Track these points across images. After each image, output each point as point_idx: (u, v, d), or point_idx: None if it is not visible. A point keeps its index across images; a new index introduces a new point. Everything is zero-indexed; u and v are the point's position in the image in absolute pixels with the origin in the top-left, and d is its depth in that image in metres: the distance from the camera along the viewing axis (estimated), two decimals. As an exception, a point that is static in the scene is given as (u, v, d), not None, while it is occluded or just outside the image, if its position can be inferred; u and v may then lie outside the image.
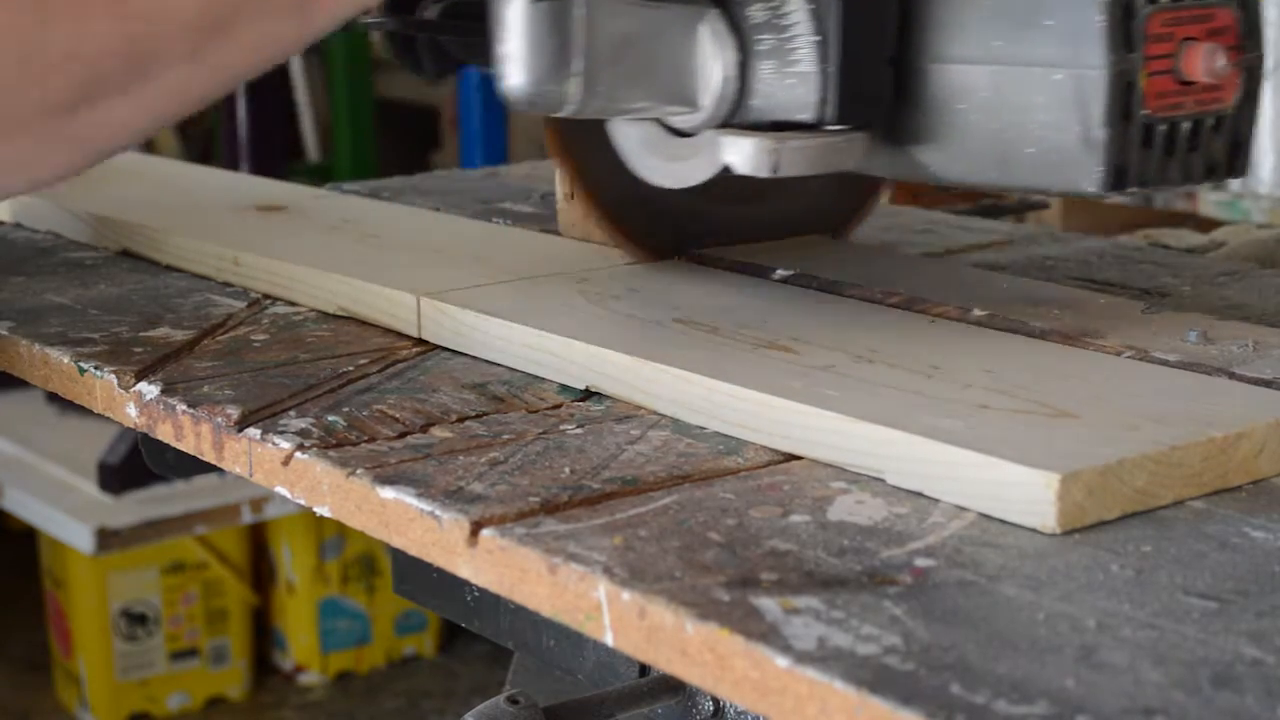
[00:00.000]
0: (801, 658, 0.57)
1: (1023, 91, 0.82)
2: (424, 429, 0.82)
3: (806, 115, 0.84)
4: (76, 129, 0.75)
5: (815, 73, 0.84)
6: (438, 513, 0.71)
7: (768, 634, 0.59)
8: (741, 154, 0.84)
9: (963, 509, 0.71)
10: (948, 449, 0.71)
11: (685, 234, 1.08)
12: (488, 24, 0.84)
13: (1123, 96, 0.80)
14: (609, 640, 0.64)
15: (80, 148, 0.77)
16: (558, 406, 0.86)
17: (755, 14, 0.85)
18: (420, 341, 0.97)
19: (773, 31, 0.84)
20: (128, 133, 0.77)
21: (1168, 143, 0.83)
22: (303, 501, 0.79)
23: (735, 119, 0.86)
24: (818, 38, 0.83)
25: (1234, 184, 2.85)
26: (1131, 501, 0.70)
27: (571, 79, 0.82)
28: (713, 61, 0.85)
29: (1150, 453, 0.71)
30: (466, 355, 0.94)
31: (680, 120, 0.88)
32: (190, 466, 1.04)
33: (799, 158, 0.84)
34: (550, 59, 0.81)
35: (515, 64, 0.81)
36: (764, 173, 0.84)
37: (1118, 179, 0.81)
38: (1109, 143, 0.81)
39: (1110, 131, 0.80)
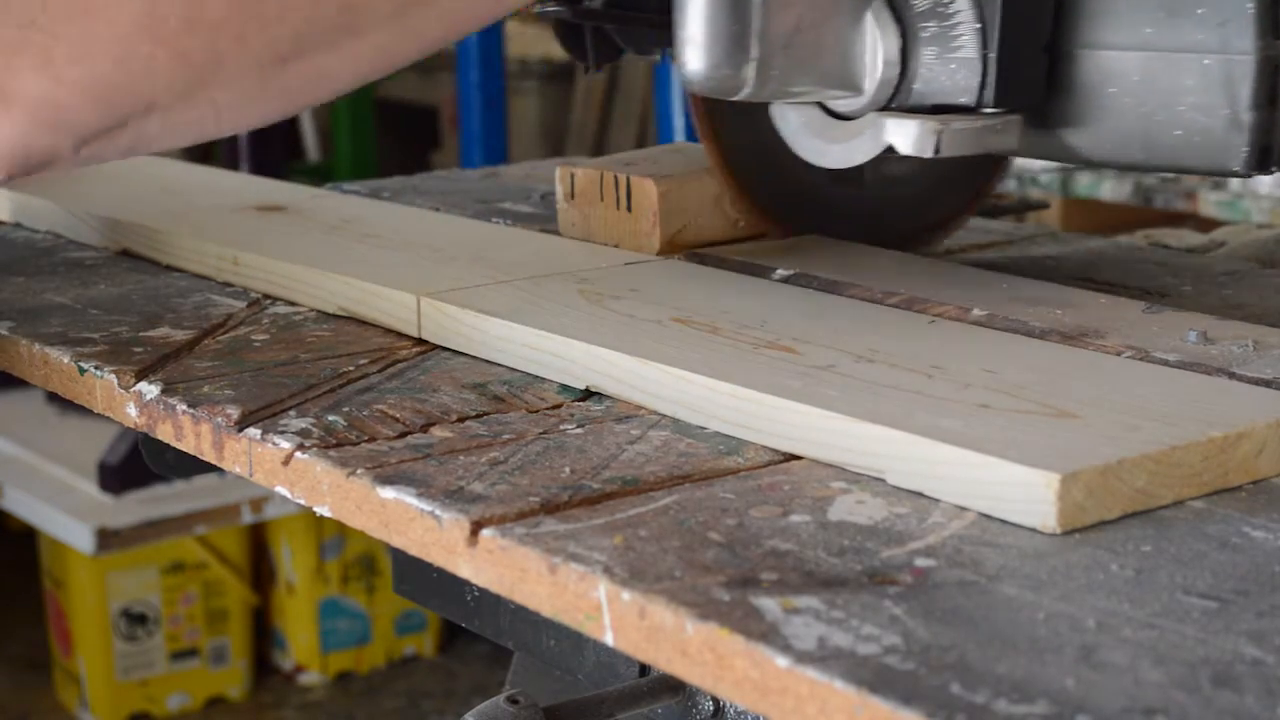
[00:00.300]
0: (801, 658, 0.57)
1: (1172, 76, 0.86)
2: (424, 429, 0.82)
3: (966, 99, 0.89)
4: (288, 80, 0.77)
5: (976, 58, 0.88)
6: (438, 512, 0.71)
7: (768, 634, 0.59)
8: (905, 135, 0.88)
9: (963, 509, 0.71)
10: (948, 449, 0.71)
11: (813, 214, 1.14)
12: (651, 14, 0.92)
13: (1270, 80, 0.84)
14: (609, 640, 0.64)
15: (289, 98, 0.79)
16: (558, 406, 0.86)
17: (919, 2, 0.89)
18: (420, 341, 0.97)
19: (935, 19, 0.88)
20: (332, 88, 0.79)
21: None
22: (303, 501, 0.79)
23: (895, 102, 0.90)
24: (979, 25, 0.87)
25: (1234, 184, 2.85)
26: (1132, 501, 0.70)
27: (749, 64, 0.85)
28: (877, 47, 0.89)
29: (1150, 453, 0.71)
30: (466, 355, 0.94)
31: (842, 104, 0.92)
32: (190, 466, 1.04)
33: (960, 139, 0.88)
34: (729, 45, 0.84)
35: (695, 49, 0.85)
36: (926, 153, 0.88)
37: (1262, 159, 0.86)
38: (1256, 125, 0.85)
39: (1257, 114, 0.85)
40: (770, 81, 0.87)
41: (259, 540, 2.97)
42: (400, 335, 0.99)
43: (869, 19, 0.89)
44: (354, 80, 0.80)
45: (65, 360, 0.96)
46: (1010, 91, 0.89)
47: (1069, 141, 0.91)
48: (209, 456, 0.85)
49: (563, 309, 0.95)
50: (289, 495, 0.80)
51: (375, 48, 0.77)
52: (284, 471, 0.80)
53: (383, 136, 3.59)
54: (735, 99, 0.87)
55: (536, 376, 0.90)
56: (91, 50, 0.71)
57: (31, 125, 0.73)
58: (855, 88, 0.90)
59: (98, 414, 0.95)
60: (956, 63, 0.88)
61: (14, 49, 0.71)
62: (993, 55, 0.88)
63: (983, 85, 0.88)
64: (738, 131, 1.08)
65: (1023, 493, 0.69)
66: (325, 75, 0.77)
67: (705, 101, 1.06)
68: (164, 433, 0.88)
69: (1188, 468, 0.72)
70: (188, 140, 0.81)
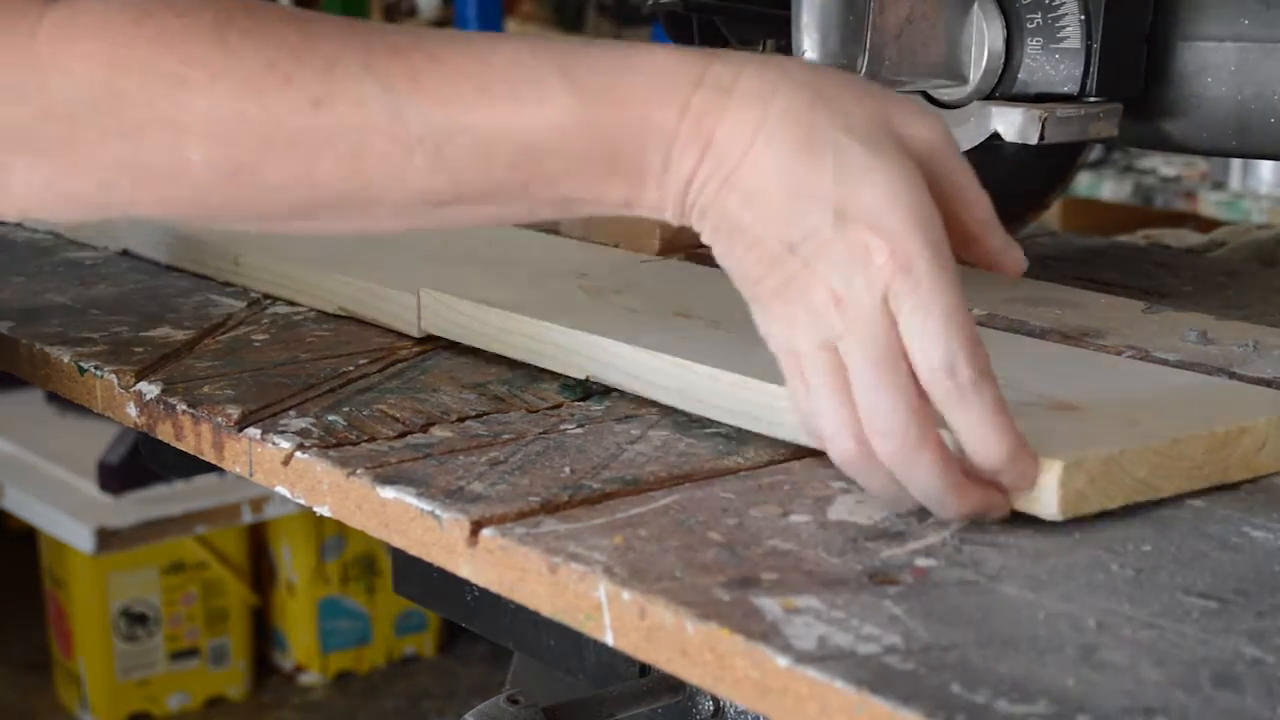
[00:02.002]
0: (802, 657, 0.57)
1: (1268, 66, 0.90)
2: (424, 429, 0.82)
3: (1070, 88, 0.92)
4: (291, 228, 0.75)
5: (1080, 48, 0.91)
6: (438, 512, 0.71)
7: (768, 634, 0.59)
8: (1011, 123, 0.92)
9: (963, 509, 0.71)
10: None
11: None
12: (759, 5, 0.95)
13: None
14: (609, 640, 0.64)
15: (298, 232, 0.77)
16: (558, 406, 0.86)
17: None
18: (420, 341, 0.97)
19: (1040, 10, 0.92)
20: (340, 233, 0.77)
21: None
22: (303, 501, 0.79)
23: (998, 91, 0.94)
24: (1084, 16, 0.91)
25: (1234, 184, 2.85)
26: (1133, 491, 0.70)
27: (862, 53, 0.88)
28: (983, 38, 0.93)
29: (1153, 444, 0.71)
30: (467, 354, 0.94)
31: (946, 93, 0.95)
32: (190, 466, 1.04)
33: (1064, 127, 0.91)
34: (845, 33, 0.88)
35: (812, 38, 0.88)
36: (1031, 140, 0.91)
37: None
38: None
39: None
40: (882, 70, 0.90)
41: (259, 540, 2.97)
42: (400, 335, 0.98)
43: (975, 11, 0.92)
44: (368, 234, 0.78)
45: (65, 360, 0.96)
46: (1112, 80, 0.92)
47: (1166, 130, 0.95)
48: (209, 456, 0.85)
49: (564, 302, 0.95)
50: (289, 495, 0.80)
51: (392, 223, 0.74)
52: (284, 471, 0.80)
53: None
54: None
55: (536, 376, 0.90)
56: (77, 171, 0.70)
57: (20, 215, 0.74)
58: (960, 77, 0.93)
59: (98, 414, 0.95)
60: (1060, 53, 0.91)
61: (13, 148, 0.71)
62: (1096, 45, 0.91)
63: (1086, 74, 0.91)
64: None
65: None
66: (334, 229, 0.75)
67: None
68: (164, 433, 0.88)
69: (1189, 460, 0.72)
70: None
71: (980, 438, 0.66)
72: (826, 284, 0.66)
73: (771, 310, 0.68)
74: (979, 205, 0.70)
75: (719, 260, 0.70)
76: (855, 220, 0.65)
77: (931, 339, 0.65)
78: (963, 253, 0.69)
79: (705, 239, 0.70)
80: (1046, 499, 0.68)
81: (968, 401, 0.66)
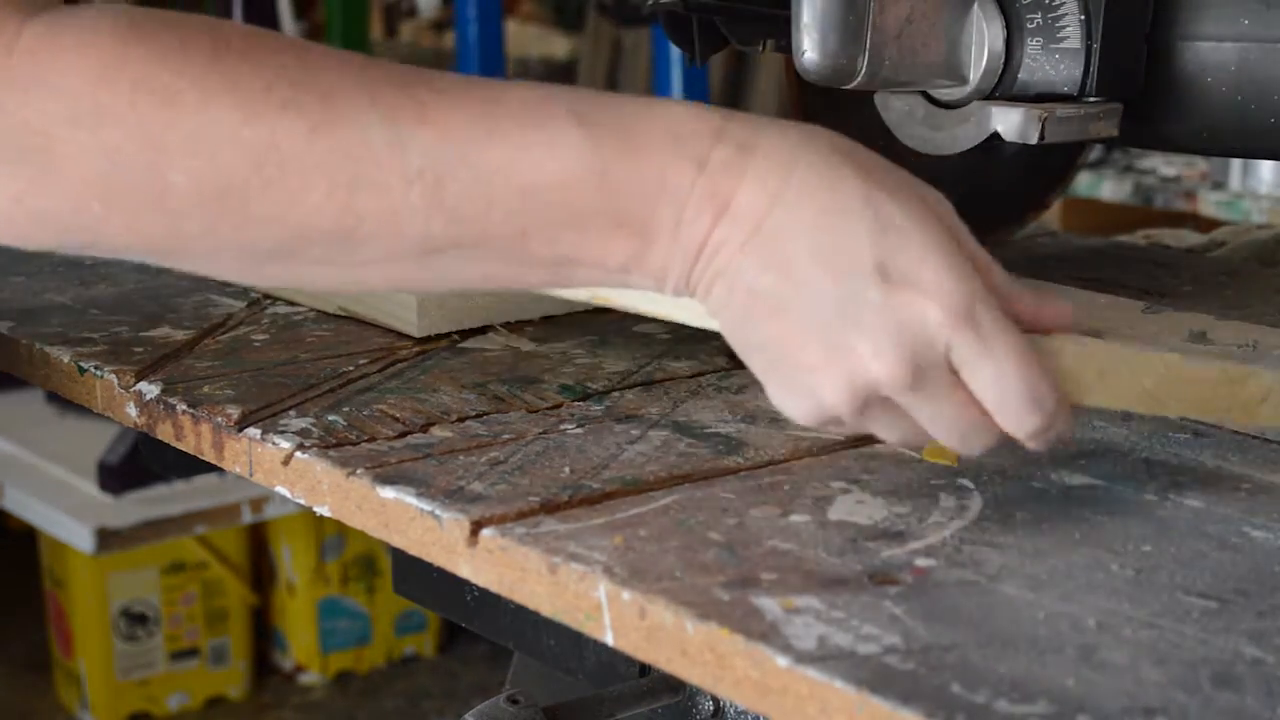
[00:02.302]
0: (802, 657, 0.57)
1: (1269, 67, 0.90)
2: (424, 429, 0.82)
3: (1069, 88, 0.92)
4: (273, 271, 0.71)
5: (1080, 49, 0.91)
6: (438, 512, 0.71)
7: (768, 634, 0.59)
8: (1010, 122, 0.92)
9: (964, 507, 0.71)
10: None
11: None
12: (758, 6, 0.96)
13: None
14: (609, 640, 0.64)
15: (279, 282, 0.73)
16: (558, 406, 0.86)
17: None
18: (420, 341, 0.97)
19: (1040, 10, 0.91)
20: (327, 286, 0.73)
21: None
22: (303, 501, 0.79)
23: (998, 91, 0.94)
24: (1083, 16, 0.91)
25: (1234, 184, 2.85)
26: (1138, 399, 0.71)
27: (862, 54, 0.89)
28: (983, 38, 0.92)
29: (1166, 356, 0.72)
30: (466, 354, 0.94)
31: (946, 93, 0.95)
32: (190, 466, 1.04)
33: (1064, 127, 0.91)
34: (845, 34, 0.88)
35: (812, 39, 0.88)
36: (1031, 140, 0.91)
37: None
38: None
39: None
40: (882, 70, 0.90)
41: (259, 540, 2.97)
42: (400, 335, 0.99)
43: (975, 11, 0.92)
44: (357, 289, 0.73)
45: (65, 360, 0.96)
46: (1112, 81, 0.92)
47: (1166, 130, 0.95)
48: (209, 456, 0.85)
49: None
50: (289, 495, 0.80)
51: (382, 274, 0.70)
52: (284, 471, 0.80)
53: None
54: (848, 88, 0.90)
55: (536, 377, 0.90)
56: (48, 189, 0.67)
57: None
58: (960, 77, 0.93)
59: (98, 414, 0.95)
60: (1060, 53, 0.91)
61: None
62: (1096, 45, 0.91)
63: (1085, 74, 0.91)
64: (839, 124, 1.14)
65: None
66: (318, 279, 0.71)
67: (802, 96, 1.12)
68: (164, 433, 0.88)
69: (1197, 386, 0.73)
70: None
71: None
72: (874, 346, 0.64)
73: (797, 380, 0.67)
74: (994, 271, 0.68)
75: (727, 332, 0.68)
76: (901, 280, 0.64)
77: (1005, 380, 0.65)
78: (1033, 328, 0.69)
79: (712, 309, 0.68)
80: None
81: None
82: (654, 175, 0.65)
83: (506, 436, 0.81)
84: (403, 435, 0.81)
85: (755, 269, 0.65)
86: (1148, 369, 0.71)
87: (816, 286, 0.64)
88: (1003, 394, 0.65)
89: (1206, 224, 2.49)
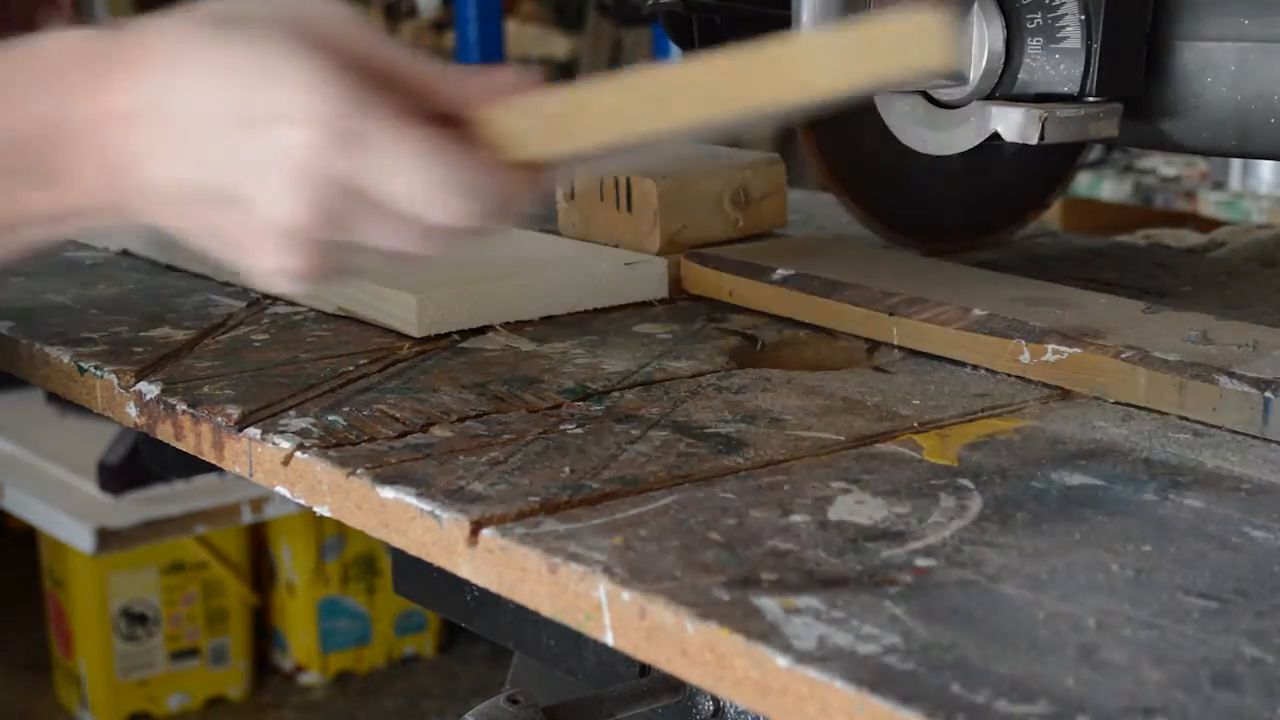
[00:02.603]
0: (802, 657, 0.57)
1: (1269, 67, 0.90)
2: (424, 429, 0.82)
3: (1069, 88, 0.92)
4: None
5: (1080, 48, 0.92)
6: (438, 512, 0.71)
7: (768, 634, 0.59)
8: (1011, 123, 0.92)
9: (964, 507, 0.71)
10: None
11: (918, 204, 1.20)
12: (757, 5, 0.97)
13: None
14: (609, 640, 0.64)
15: None
16: (558, 406, 0.86)
17: None
18: (420, 341, 0.97)
19: (1040, 10, 0.92)
20: None
21: None
22: (303, 501, 0.79)
23: (998, 91, 0.94)
24: (1084, 16, 0.91)
25: (1234, 184, 2.85)
26: (627, 127, 0.63)
27: None
28: (983, 38, 0.93)
29: (632, 77, 0.64)
30: (466, 354, 0.94)
31: (946, 93, 0.96)
32: (190, 466, 1.04)
33: (1064, 127, 0.92)
34: None
35: None
36: (1031, 140, 0.91)
37: None
38: None
39: None
40: None
41: (259, 540, 2.96)
42: (400, 335, 0.99)
43: (975, 11, 0.93)
44: None
45: (65, 360, 0.96)
46: (1112, 80, 0.92)
47: (1166, 130, 0.95)
48: (209, 456, 0.85)
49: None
50: (289, 495, 0.80)
51: None
52: (284, 471, 0.80)
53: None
54: None
55: (536, 377, 0.90)
56: None
57: None
58: (960, 77, 0.94)
59: (98, 414, 0.95)
60: (1061, 53, 0.92)
61: None
62: (1096, 46, 0.91)
63: (1086, 74, 0.92)
64: (839, 137, 1.15)
65: None
66: None
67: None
68: (164, 433, 0.88)
69: (695, 85, 0.63)
70: None
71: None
72: (271, 194, 0.63)
73: (243, 257, 0.66)
74: (400, 64, 0.65)
75: (178, 236, 0.67)
76: (271, 120, 0.62)
77: (418, 184, 0.63)
78: (469, 111, 0.65)
79: (162, 220, 0.67)
80: None
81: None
82: (53, 116, 0.65)
83: (506, 436, 0.81)
84: (403, 435, 0.81)
85: (161, 169, 0.65)
86: (614, 92, 0.64)
87: (214, 164, 0.64)
88: (424, 197, 0.63)
89: (1206, 224, 2.48)
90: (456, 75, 0.66)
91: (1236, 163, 2.85)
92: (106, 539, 2.55)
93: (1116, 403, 0.87)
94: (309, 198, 0.63)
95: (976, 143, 0.95)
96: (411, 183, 0.63)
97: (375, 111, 0.63)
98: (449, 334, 0.99)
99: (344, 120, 0.62)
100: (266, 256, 0.65)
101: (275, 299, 1.08)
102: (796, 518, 0.70)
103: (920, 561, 0.66)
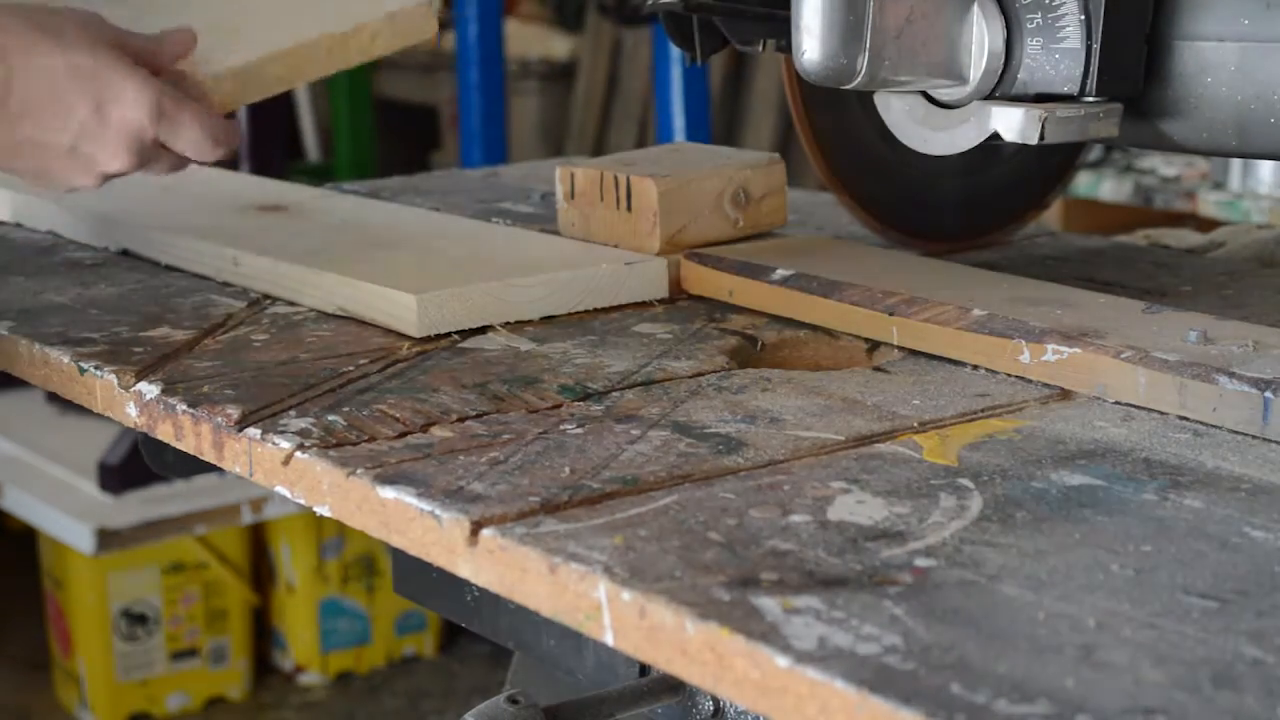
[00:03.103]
0: (802, 657, 0.57)
1: (1269, 67, 0.90)
2: (424, 429, 0.82)
3: (1069, 88, 0.92)
4: None
5: (1080, 48, 0.92)
6: (438, 512, 0.71)
7: (768, 634, 0.59)
8: (1010, 123, 0.93)
9: (964, 507, 0.71)
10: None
11: (923, 204, 1.20)
12: (758, 6, 0.98)
13: None
14: (609, 640, 0.64)
15: None
16: (558, 406, 0.86)
17: None
18: (420, 341, 0.97)
19: (1040, 11, 0.92)
20: None
21: None
22: (303, 501, 0.79)
23: (998, 91, 0.94)
24: (1083, 16, 0.91)
25: (1234, 184, 2.85)
26: (277, 83, 1.06)
27: (862, 54, 0.90)
28: (983, 39, 0.93)
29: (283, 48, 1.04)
30: (466, 354, 0.94)
31: (946, 93, 0.96)
32: (190, 466, 1.04)
33: (1064, 127, 0.92)
34: (845, 34, 0.89)
35: (812, 39, 0.89)
36: (1031, 140, 0.92)
37: None
38: None
39: None
40: (881, 70, 0.91)
41: (259, 540, 2.96)
42: (400, 335, 0.98)
43: (975, 11, 0.93)
44: None
45: (65, 360, 0.96)
46: (1112, 80, 0.92)
47: (1166, 130, 0.95)
48: (209, 456, 0.85)
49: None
50: (289, 495, 0.80)
51: None
52: (284, 471, 0.80)
53: (383, 136, 3.59)
54: (848, 87, 0.91)
55: (536, 377, 0.90)
56: None
57: None
58: (960, 77, 0.94)
59: (98, 414, 0.95)
60: (1061, 53, 0.92)
61: None
62: (1096, 46, 0.91)
63: (1086, 74, 0.92)
64: (829, 120, 1.16)
65: None
66: None
67: (803, 95, 1.14)
68: (164, 433, 0.88)
69: (311, 51, 1.05)
70: None
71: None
72: (110, 153, 0.97)
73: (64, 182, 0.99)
74: (144, 50, 0.99)
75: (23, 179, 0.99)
76: (108, 105, 0.95)
77: (195, 138, 0.98)
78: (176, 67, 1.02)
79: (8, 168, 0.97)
80: None
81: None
82: None
83: (506, 436, 0.81)
84: (403, 435, 0.81)
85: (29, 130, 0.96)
86: (271, 62, 1.04)
87: (57, 137, 0.96)
88: (198, 145, 0.99)
89: (1206, 224, 2.48)
90: (158, 41, 1.01)
91: (1236, 163, 2.85)
92: (106, 539, 2.55)
93: (1116, 403, 0.87)
94: (135, 154, 0.97)
95: (976, 142, 0.95)
96: (195, 139, 0.98)
97: (164, 91, 0.97)
98: (449, 334, 0.99)
99: (151, 100, 0.96)
100: (81, 184, 0.99)
101: (275, 299, 1.08)
102: (796, 518, 0.70)
103: (920, 561, 0.66)
